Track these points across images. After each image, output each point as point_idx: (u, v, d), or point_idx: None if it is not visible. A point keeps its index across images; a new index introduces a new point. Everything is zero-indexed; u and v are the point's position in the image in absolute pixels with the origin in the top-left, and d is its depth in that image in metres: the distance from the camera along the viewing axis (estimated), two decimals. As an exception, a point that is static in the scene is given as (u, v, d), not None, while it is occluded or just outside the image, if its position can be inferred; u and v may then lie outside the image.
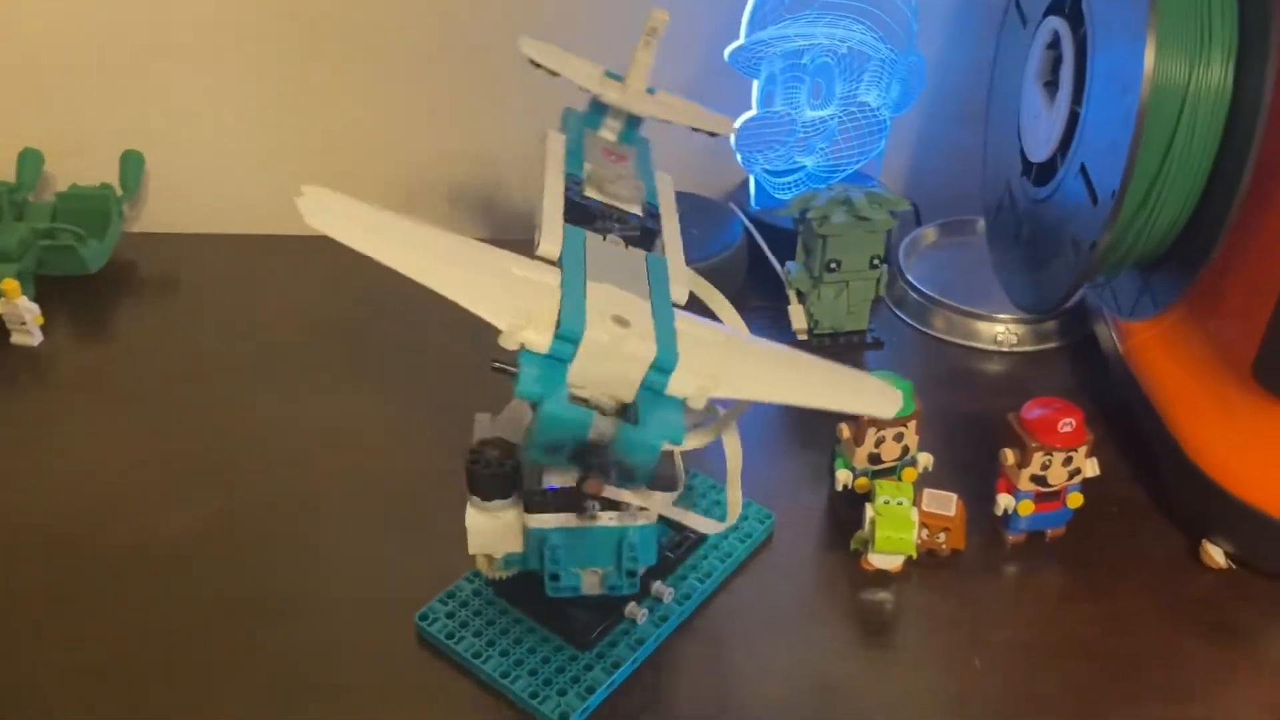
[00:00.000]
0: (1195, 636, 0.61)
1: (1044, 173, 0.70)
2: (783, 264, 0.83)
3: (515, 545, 0.54)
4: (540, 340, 0.45)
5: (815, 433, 0.73)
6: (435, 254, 0.48)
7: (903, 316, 0.86)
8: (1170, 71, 0.58)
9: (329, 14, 0.88)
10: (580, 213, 0.55)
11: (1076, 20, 0.66)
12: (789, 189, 0.88)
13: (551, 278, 0.49)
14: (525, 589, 0.60)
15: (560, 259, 0.51)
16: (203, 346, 0.83)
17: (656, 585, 0.60)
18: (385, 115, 0.94)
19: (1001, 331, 0.83)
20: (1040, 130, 0.71)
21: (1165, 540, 0.67)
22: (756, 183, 0.88)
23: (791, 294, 0.81)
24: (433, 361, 0.81)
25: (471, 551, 0.54)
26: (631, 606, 0.59)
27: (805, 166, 0.88)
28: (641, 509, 0.51)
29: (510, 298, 0.46)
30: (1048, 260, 0.69)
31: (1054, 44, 0.70)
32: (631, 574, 0.54)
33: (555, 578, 0.53)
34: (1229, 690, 0.59)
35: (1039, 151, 0.70)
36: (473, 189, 0.98)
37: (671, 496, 0.53)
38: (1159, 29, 0.57)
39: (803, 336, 0.81)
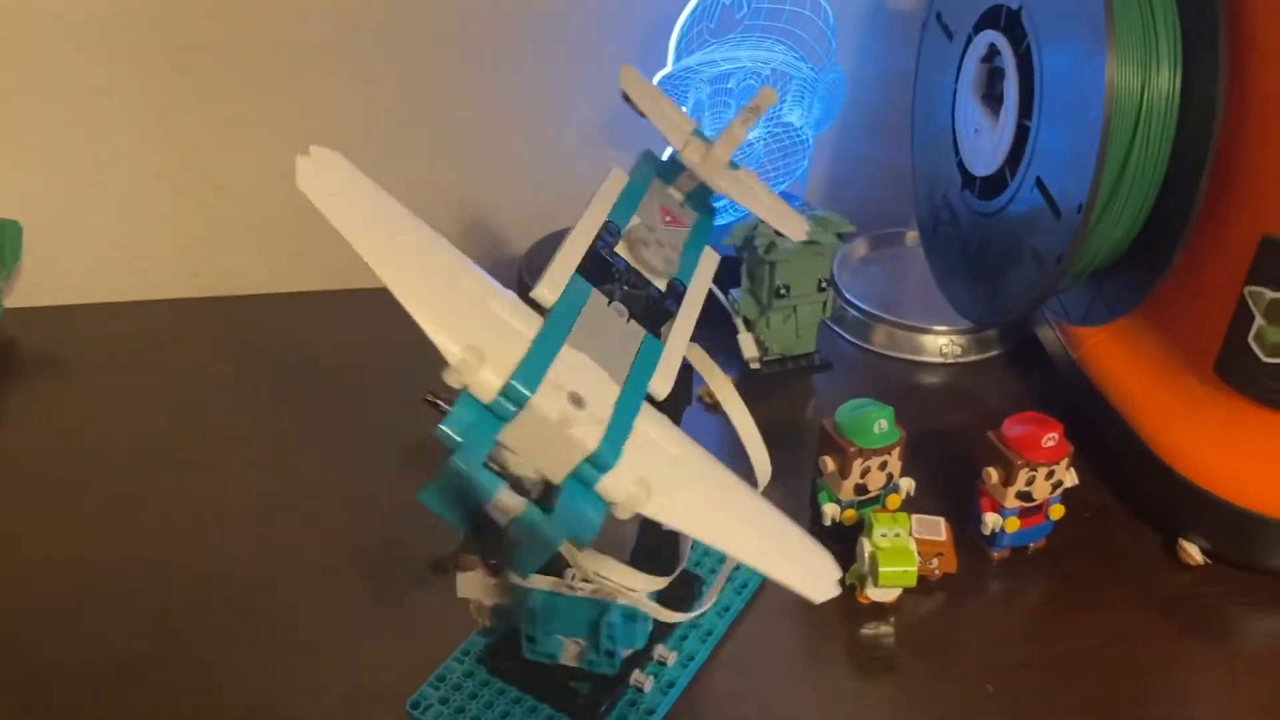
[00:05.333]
0: (1187, 636, 0.62)
1: (990, 186, 0.70)
2: (725, 292, 0.81)
3: (504, 596, 0.52)
4: (487, 387, 0.39)
5: (790, 463, 0.72)
6: (418, 263, 0.42)
7: (843, 334, 0.86)
8: (1127, 83, 0.59)
9: (213, 57, 0.83)
10: (599, 267, 0.48)
11: (1014, 33, 0.66)
12: (720, 214, 0.87)
13: (528, 326, 0.43)
14: (522, 665, 0.56)
15: (551, 309, 0.45)
16: (111, 429, 0.76)
17: (659, 649, 0.58)
18: (280, 163, 0.88)
19: (946, 343, 0.83)
20: (983, 144, 0.71)
21: (1140, 541, 0.68)
22: (688, 211, 0.86)
23: (739, 322, 0.79)
24: (369, 425, 0.76)
25: (460, 595, 0.52)
26: (637, 675, 0.56)
27: (734, 191, 0.86)
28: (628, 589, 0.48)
29: (474, 331, 0.40)
30: (1004, 272, 0.69)
31: (988, 57, 0.70)
32: (609, 654, 0.51)
33: (532, 640, 0.51)
34: (1229, 688, 0.59)
35: (983, 165, 0.70)
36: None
37: (661, 582, 0.50)
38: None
39: (755, 365, 0.79)
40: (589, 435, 0.40)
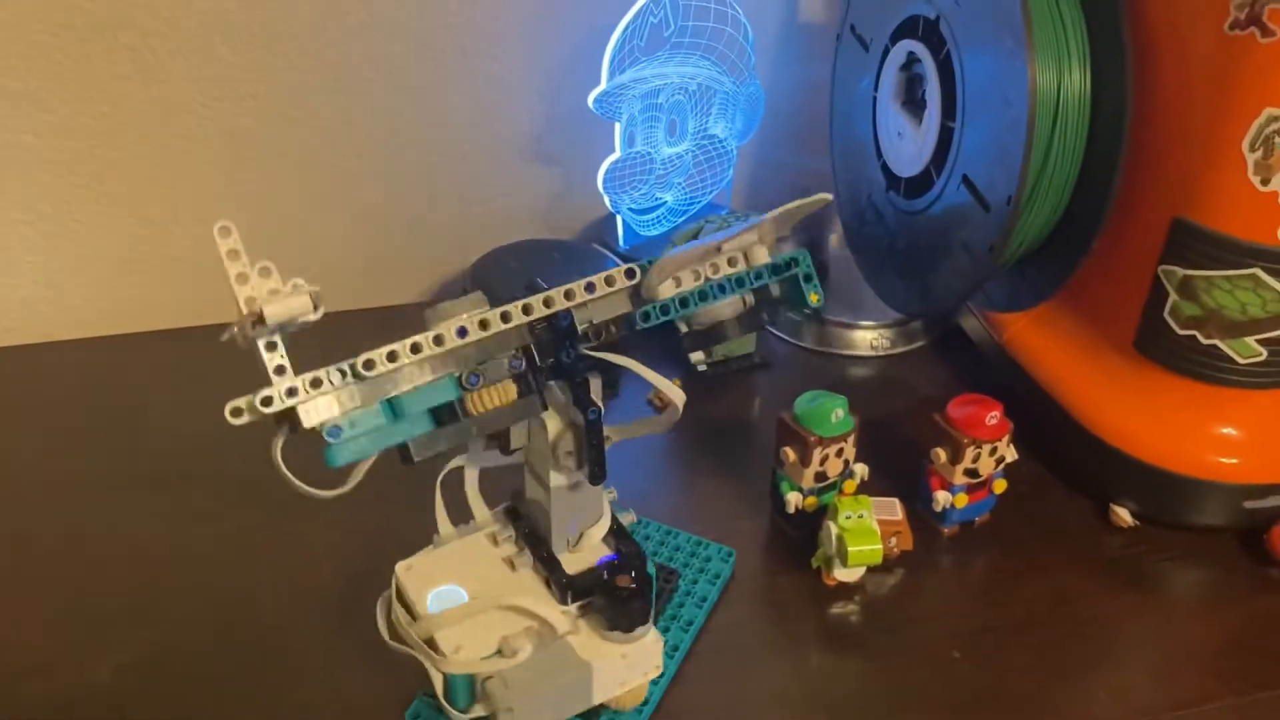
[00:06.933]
0: (1125, 592, 0.67)
1: (915, 186, 0.75)
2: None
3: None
4: None
5: (744, 458, 0.75)
6: None
7: (777, 334, 0.89)
8: (1045, 81, 0.63)
9: (138, 88, 0.82)
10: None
11: (933, 41, 0.71)
12: (652, 225, 0.89)
13: None
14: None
15: None
16: (52, 470, 0.75)
17: (646, 640, 0.60)
18: (208, 194, 0.88)
19: (875, 337, 0.87)
20: (906, 147, 0.75)
21: (1075, 508, 0.73)
22: (625, 223, 0.89)
23: (684, 326, 0.82)
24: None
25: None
26: (628, 665, 0.58)
27: (665, 202, 0.89)
28: None
29: None
30: (935, 266, 0.73)
31: (907, 65, 0.75)
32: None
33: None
34: (1167, 634, 0.64)
35: (908, 167, 0.75)
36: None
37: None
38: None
39: (702, 367, 0.82)
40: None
